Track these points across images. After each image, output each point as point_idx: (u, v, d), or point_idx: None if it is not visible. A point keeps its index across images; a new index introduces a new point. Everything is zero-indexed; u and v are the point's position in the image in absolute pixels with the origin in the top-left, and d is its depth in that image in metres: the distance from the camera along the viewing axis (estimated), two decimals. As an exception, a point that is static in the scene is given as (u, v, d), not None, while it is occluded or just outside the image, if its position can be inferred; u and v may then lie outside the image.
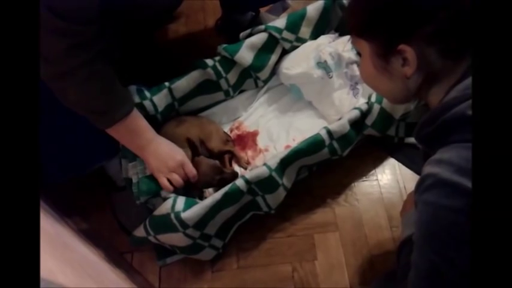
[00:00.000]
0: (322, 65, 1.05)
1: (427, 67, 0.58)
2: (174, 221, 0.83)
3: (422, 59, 0.57)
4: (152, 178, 0.90)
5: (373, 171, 1.09)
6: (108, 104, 0.81)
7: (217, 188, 0.92)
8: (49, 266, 0.45)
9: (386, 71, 0.62)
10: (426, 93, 0.61)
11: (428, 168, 0.51)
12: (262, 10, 1.32)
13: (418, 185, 0.52)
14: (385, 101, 0.96)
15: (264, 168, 0.88)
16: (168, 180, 0.88)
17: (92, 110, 0.80)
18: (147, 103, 0.97)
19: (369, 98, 0.99)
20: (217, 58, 1.04)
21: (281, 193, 0.94)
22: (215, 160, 0.97)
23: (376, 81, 0.66)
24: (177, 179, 0.88)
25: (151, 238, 0.89)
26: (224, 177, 0.93)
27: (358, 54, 0.68)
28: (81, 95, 0.77)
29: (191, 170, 0.90)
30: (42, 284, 0.41)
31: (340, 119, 0.97)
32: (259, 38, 1.06)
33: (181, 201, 0.86)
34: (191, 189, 0.95)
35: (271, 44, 1.08)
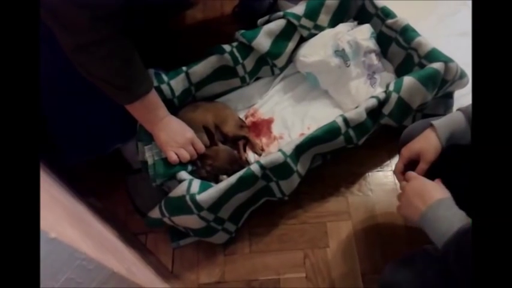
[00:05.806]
0: (339, 53, 1.04)
1: None
2: (189, 202, 0.84)
3: None
4: (168, 161, 0.92)
5: (387, 162, 1.08)
6: (130, 79, 0.82)
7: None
8: (72, 235, 0.47)
9: None
10: None
11: None
12: (280, -3, 1.31)
13: None
14: (403, 91, 0.95)
15: (279, 154, 0.89)
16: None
17: (113, 84, 0.81)
18: (164, 87, 0.98)
19: (387, 87, 0.98)
20: (234, 44, 1.04)
21: (295, 179, 0.94)
22: (234, 150, 0.99)
23: None
24: (184, 154, 0.91)
25: (166, 220, 0.90)
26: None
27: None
28: (104, 69, 0.78)
29: (201, 147, 0.93)
30: (67, 251, 0.42)
31: (356, 107, 0.96)
32: (277, 25, 1.06)
33: (196, 183, 0.87)
34: (198, 170, 0.96)
35: (289, 31, 1.07)
